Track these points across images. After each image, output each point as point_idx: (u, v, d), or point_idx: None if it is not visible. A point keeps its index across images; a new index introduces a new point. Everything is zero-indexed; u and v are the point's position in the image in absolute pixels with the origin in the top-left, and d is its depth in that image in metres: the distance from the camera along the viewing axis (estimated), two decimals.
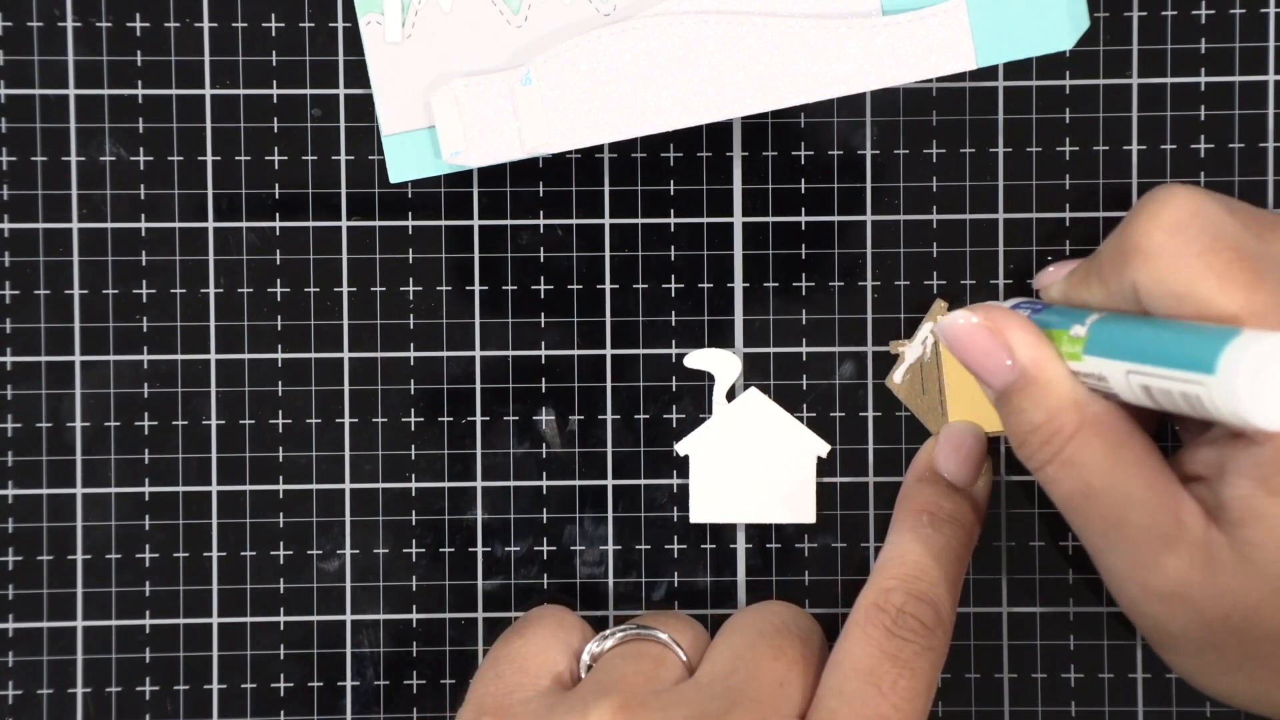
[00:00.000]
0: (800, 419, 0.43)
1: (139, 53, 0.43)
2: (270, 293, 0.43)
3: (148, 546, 0.43)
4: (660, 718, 0.36)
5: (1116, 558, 0.36)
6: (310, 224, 0.43)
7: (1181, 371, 0.31)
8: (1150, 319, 0.34)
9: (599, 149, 0.43)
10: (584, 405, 0.43)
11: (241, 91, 0.43)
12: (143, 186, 0.43)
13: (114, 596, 0.43)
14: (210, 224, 0.43)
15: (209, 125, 0.43)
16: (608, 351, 0.43)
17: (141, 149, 0.43)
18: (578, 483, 0.43)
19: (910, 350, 0.41)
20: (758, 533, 0.43)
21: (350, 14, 0.43)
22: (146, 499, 0.43)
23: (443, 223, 0.43)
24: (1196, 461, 0.36)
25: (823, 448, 0.43)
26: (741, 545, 0.43)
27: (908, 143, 0.43)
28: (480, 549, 0.43)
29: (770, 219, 0.43)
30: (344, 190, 0.43)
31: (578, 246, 0.43)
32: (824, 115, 0.43)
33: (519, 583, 0.43)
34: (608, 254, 0.43)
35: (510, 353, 0.43)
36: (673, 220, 0.43)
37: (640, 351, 0.43)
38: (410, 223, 0.43)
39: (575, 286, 0.43)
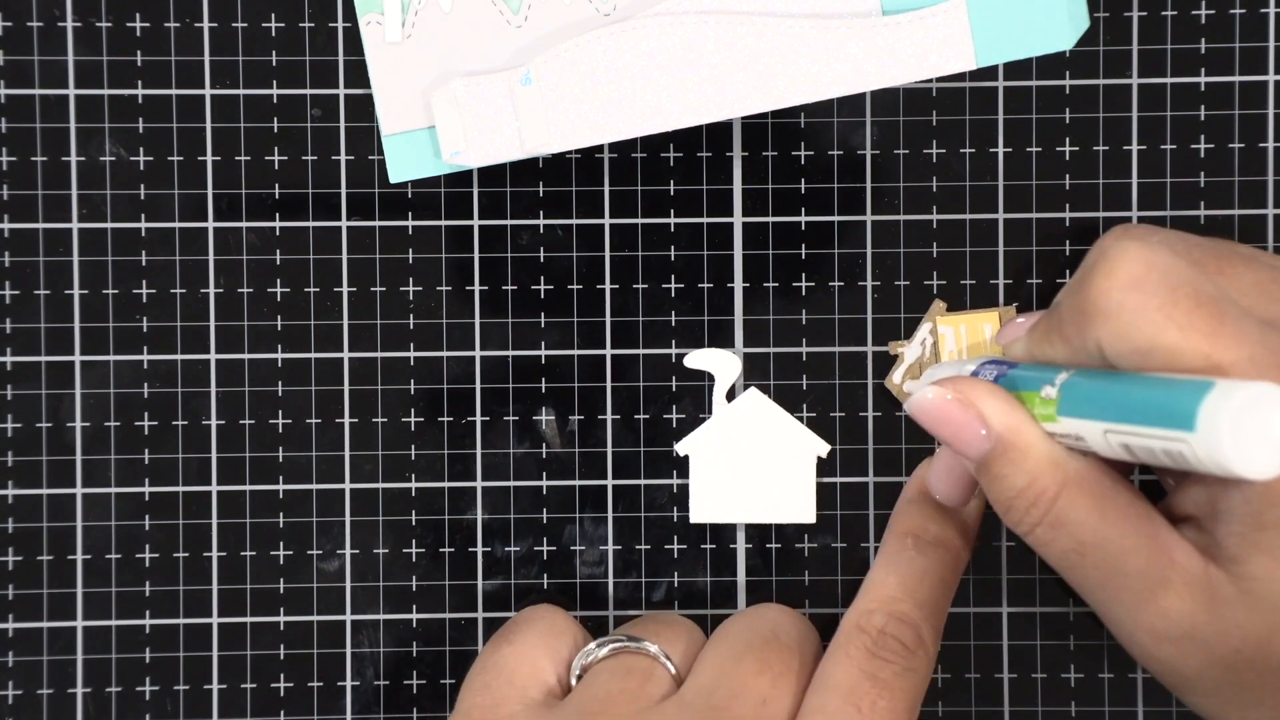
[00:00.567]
0: (800, 419, 0.43)
1: (139, 53, 0.43)
2: (270, 293, 0.43)
3: (148, 546, 0.43)
4: None
5: (1120, 609, 0.36)
6: (310, 224, 0.43)
7: (1161, 429, 0.32)
8: (1120, 374, 0.34)
9: (599, 149, 0.43)
10: (584, 405, 0.43)
11: (241, 91, 0.43)
12: (143, 186, 0.43)
13: (114, 596, 0.43)
14: (210, 224, 0.43)
15: (209, 125, 0.43)
16: (608, 351, 0.43)
17: (141, 149, 0.43)
18: (578, 483, 0.43)
19: (910, 351, 0.41)
20: (758, 533, 0.43)
21: (350, 14, 0.43)
22: (146, 499, 0.43)
23: (443, 223, 0.43)
24: (1186, 502, 0.36)
25: (823, 448, 0.43)
26: (741, 545, 0.43)
27: (908, 143, 0.43)
28: (480, 549, 0.43)
29: (770, 219, 0.43)
30: (344, 190, 0.43)
31: (578, 246, 0.43)
32: (824, 115, 0.43)
33: (519, 583, 0.43)
34: (608, 254, 0.43)
35: (510, 353, 0.43)
36: (673, 220, 0.43)
37: (640, 351, 0.43)
38: (410, 223, 0.43)
39: (575, 286, 0.43)
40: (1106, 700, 0.43)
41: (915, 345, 0.42)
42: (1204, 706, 0.37)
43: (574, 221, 0.43)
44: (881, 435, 0.43)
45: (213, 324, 0.43)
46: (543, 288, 0.43)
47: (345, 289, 0.43)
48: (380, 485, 0.43)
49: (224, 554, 0.43)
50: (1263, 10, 0.43)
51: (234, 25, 0.43)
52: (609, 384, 0.43)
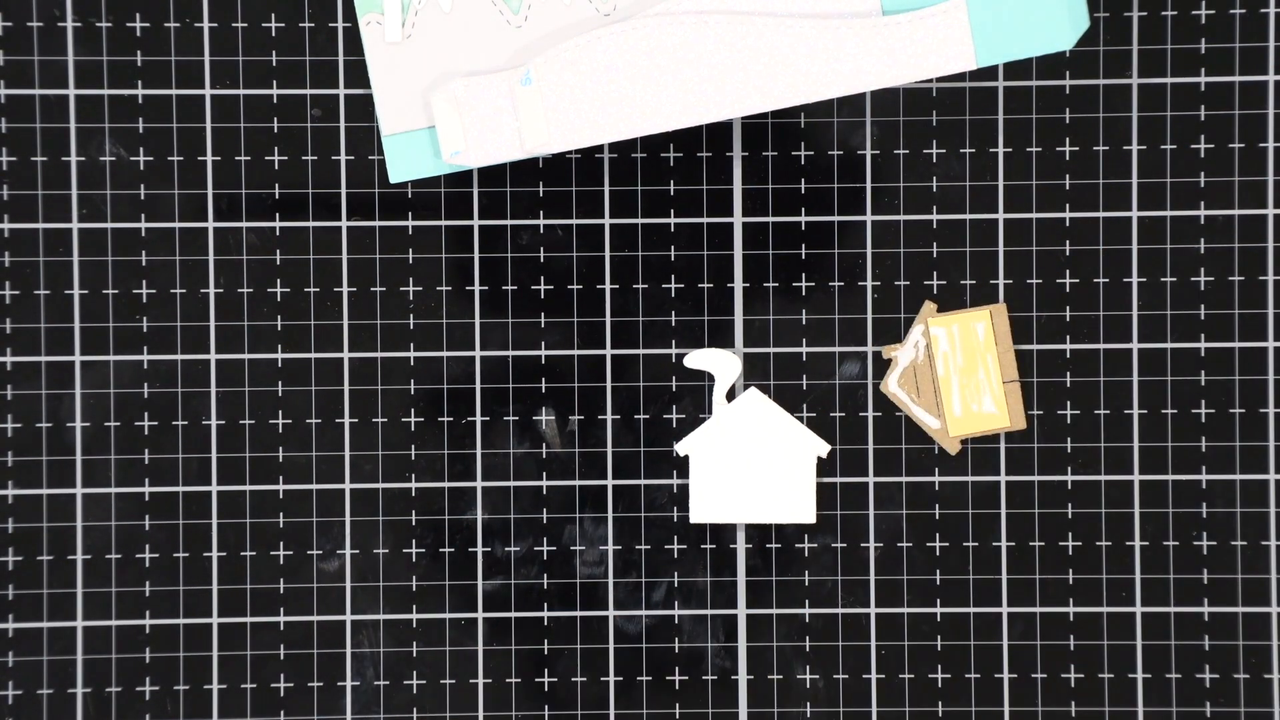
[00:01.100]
0: (800, 419, 0.43)
1: (139, 53, 0.43)
2: (270, 293, 0.43)
3: (148, 546, 0.43)
4: None
5: None
6: (310, 224, 0.43)
7: None
8: None
9: (599, 149, 0.43)
10: (584, 405, 0.43)
11: (241, 91, 0.43)
12: (143, 186, 0.43)
13: (114, 596, 0.43)
14: (210, 224, 0.43)
15: (209, 125, 0.43)
16: (608, 351, 0.43)
17: (141, 149, 0.43)
18: (578, 483, 0.43)
19: (903, 354, 0.41)
20: (758, 533, 0.43)
21: (350, 14, 0.43)
22: (146, 499, 0.43)
23: (443, 223, 0.43)
24: None
25: (823, 448, 0.43)
26: (741, 545, 0.43)
27: (908, 143, 0.43)
28: (480, 549, 0.43)
29: (770, 219, 0.43)
30: (344, 190, 0.43)
31: (578, 246, 0.43)
32: (824, 115, 0.43)
33: (519, 583, 0.43)
34: (608, 254, 0.43)
35: (510, 353, 0.43)
36: (673, 220, 0.43)
37: (640, 351, 0.43)
38: (410, 223, 0.43)
39: (575, 286, 0.43)
40: (1106, 700, 0.43)
41: (909, 348, 0.42)
42: None
43: (574, 221, 0.43)
44: (881, 435, 0.43)
45: (213, 324, 0.43)
46: (543, 288, 0.43)
47: (345, 289, 0.43)
48: (380, 485, 0.43)
49: (224, 554, 0.43)
50: (1263, 10, 0.43)
51: (234, 25, 0.43)
52: (609, 384, 0.43)
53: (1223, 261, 0.43)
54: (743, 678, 0.43)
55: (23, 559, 0.43)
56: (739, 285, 0.43)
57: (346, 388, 0.43)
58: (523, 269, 0.43)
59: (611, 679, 0.43)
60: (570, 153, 0.43)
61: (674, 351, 0.43)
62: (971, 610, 0.43)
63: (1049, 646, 0.43)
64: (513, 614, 0.43)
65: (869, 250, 0.43)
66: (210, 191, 0.43)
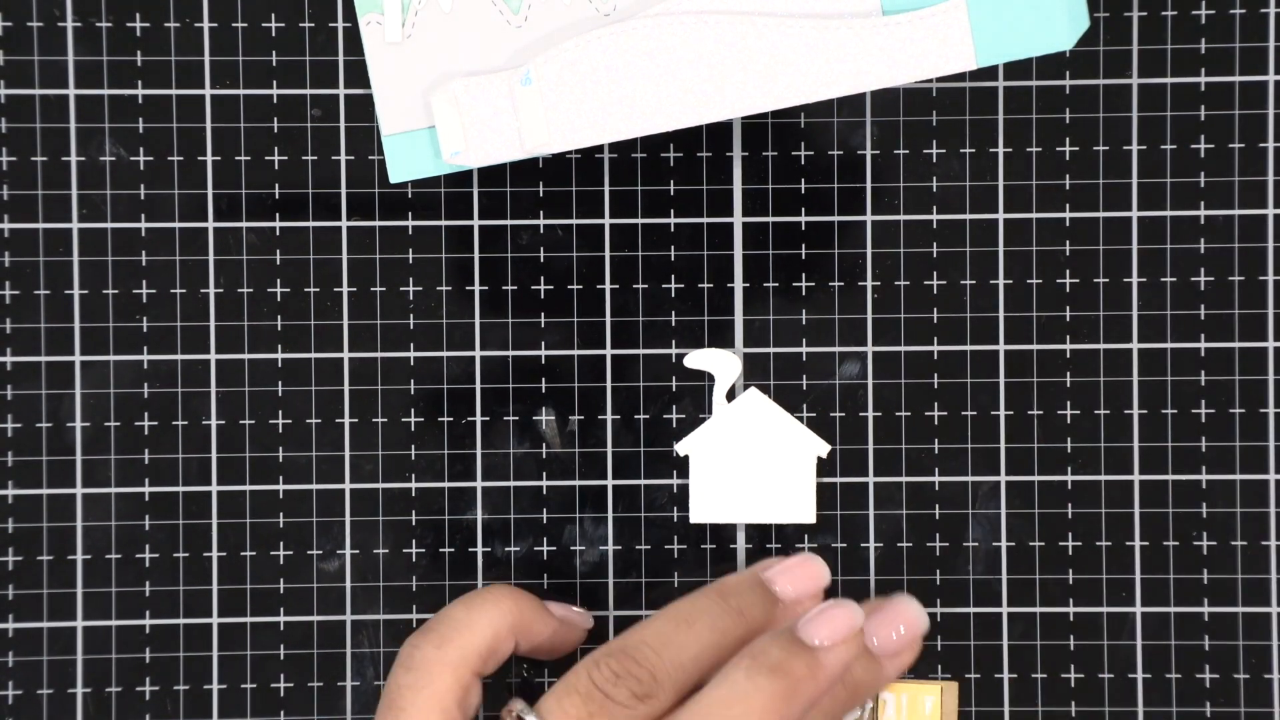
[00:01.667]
0: (800, 419, 0.43)
1: (139, 53, 0.43)
2: (270, 293, 0.43)
3: (148, 546, 0.43)
4: None
5: None
6: (310, 224, 0.43)
7: None
8: None
9: (599, 149, 0.43)
10: (584, 405, 0.43)
11: (241, 91, 0.43)
12: (143, 186, 0.43)
13: (114, 596, 0.43)
14: (210, 224, 0.43)
15: (209, 125, 0.43)
16: (608, 351, 0.43)
17: (141, 149, 0.43)
18: (578, 483, 0.43)
19: (849, 716, 0.41)
20: (758, 533, 0.43)
21: (350, 14, 0.43)
22: (146, 499, 0.43)
23: (443, 223, 0.43)
24: None
25: (823, 448, 0.43)
26: (741, 545, 0.43)
27: (908, 143, 0.43)
28: (480, 549, 0.43)
29: (770, 219, 0.43)
30: (344, 190, 0.43)
31: (578, 246, 0.43)
32: (824, 115, 0.43)
33: (519, 583, 0.43)
34: (608, 254, 0.43)
35: (510, 353, 0.43)
36: (673, 220, 0.43)
37: (640, 351, 0.43)
38: (410, 223, 0.43)
39: (575, 286, 0.43)
40: (1106, 700, 0.43)
41: (854, 710, 0.41)
42: None
43: (574, 221, 0.43)
44: (881, 435, 0.43)
45: (213, 324, 0.43)
46: (543, 288, 0.43)
47: (345, 289, 0.43)
48: (380, 485, 0.43)
49: (224, 554, 0.43)
50: (1263, 10, 0.43)
51: (234, 25, 0.43)
52: (609, 384, 0.43)
53: (1223, 261, 0.43)
54: None
55: (23, 559, 0.43)
56: (739, 285, 0.43)
57: (346, 388, 0.43)
58: (523, 269, 0.43)
59: None
60: (570, 153, 0.43)
61: (674, 351, 0.43)
62: (972, 610, 0.43)
63: (1049, 646, 0.43)
64: None
65: (869, 250, 0.43)
66: (210, 191, 0.43)
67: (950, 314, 0.43)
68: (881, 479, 0.43)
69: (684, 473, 0.43)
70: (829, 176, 0.43)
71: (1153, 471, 0.43)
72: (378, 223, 0.43)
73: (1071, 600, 0.43)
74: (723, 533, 0.43)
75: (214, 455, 0.43)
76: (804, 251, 0.43)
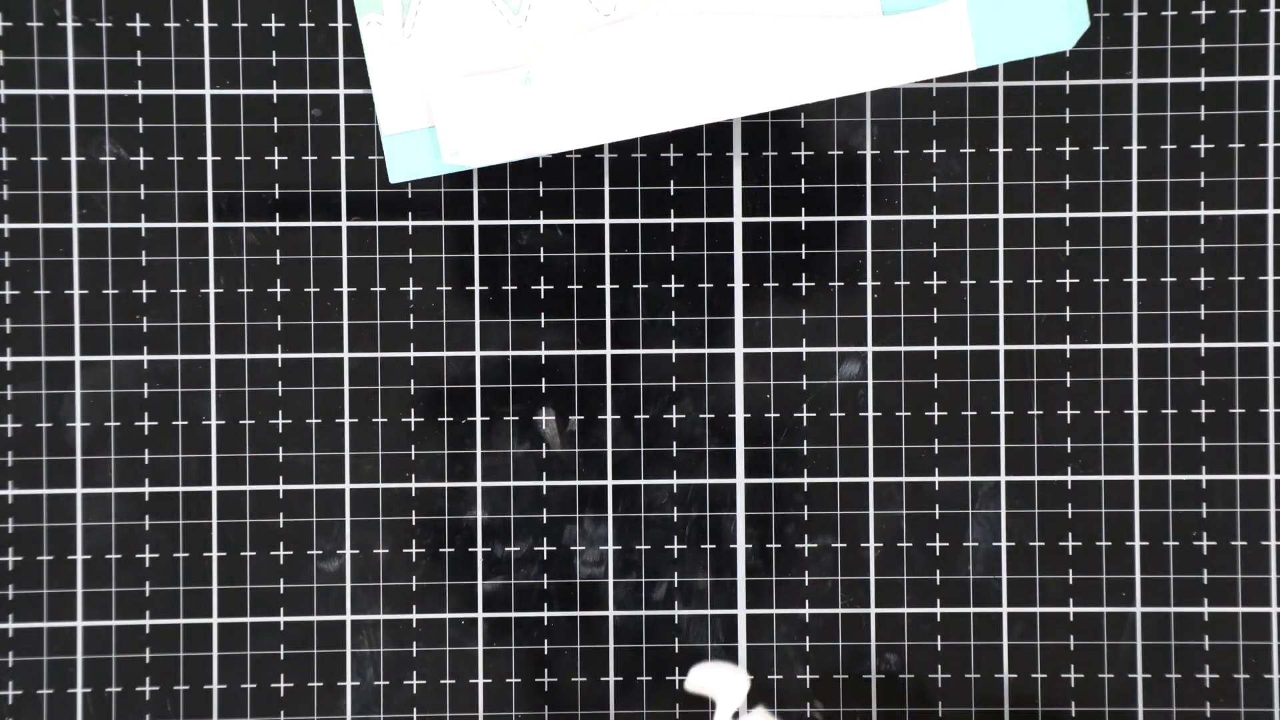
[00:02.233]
0: (800, 419, 0.43)
1: (139, 53, 0.43)
2: (270, 293, 0.43)
3: (148, 546, 0.43)
4: None
5: None
6: (310, 224, 0.43)
7: None
8: None
9: (599, 149, 0.43)
10: (584, 405, 0.43)
11: (241, 91, 0.43)
12: (143, 186, 0.43)
13: (114, 596, 0.43)
14: (210, 224, 0.43)
15: (209, 125, 0.43)
16: (608, 351, 0.43)
17: (141, 149, 0.43)
18: (578, 483, 0.43)
19: None
20: (758, 533, 0.43)
21: (350, 14, 0.43)
22: (146, 499, 0.43)
23: (443, 223, 0.43)
24: None
25: None
26: (741, 545, 0.43)
27: (908, 143, 0.43)
28: (480, 549, 0.43)
29: (770, 219, 0.43)
30: (344, 190, 0.43)
31: (578, 246, 0.43)
32: (824, 115, 0.43)
33: (519, 583, 0.43)
34: (608, 254, 0.43)
35: (510, 353, 0.43)
36: (673, 220, 0.43)
37: (640, 351, 0.43)
38: (410, 223, 0.43)
39: (575, 286, 0.43)
40: (1107, 700, 0.43)
41: None
42: None
43: (574, 221, 0.43)
44: (881, 435, 0.43)
45: (213, 324, 0.43)
46: (543, 288, 0.43)
47: (345, 289, 0.43)
48: (380, 485, 0.43)
49: (224, 554, 0.43)
50: (1263, 10, 0.43)
51: (234, 25, 0.43)
52: (609, 384, 0.43)
53: (1223, 261, 0.43)
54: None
55: (23, 559, 0.43)
56: (739, 285, 0.43)
57: (346, 388, 0.43)
58: (523, 269, 0.43)
59: (611, 679, 0.43)
60: (570, 153, 0.43)
61: (674, 352, 0.43)
62: (971, 610, 0.43)
63: (1049, 646, 0.43)
64: (513, 614, 0.43)
65: (869, 250, 0.43)
66: (210, 191, 0.43)
67: (950, 314, 0.43)
68: (881, 479, 0.43)
69: (684, 473, 0.43)
70: (829, 176, 0.43)
71: (1153, 471, 0.43)
72: (378, 223, 0.43)
73: (1071, 600, 0.43)
74: (723, 533, 0.43)
75: (214, 455, 0.43)
76: (804, 251, 0.43)
